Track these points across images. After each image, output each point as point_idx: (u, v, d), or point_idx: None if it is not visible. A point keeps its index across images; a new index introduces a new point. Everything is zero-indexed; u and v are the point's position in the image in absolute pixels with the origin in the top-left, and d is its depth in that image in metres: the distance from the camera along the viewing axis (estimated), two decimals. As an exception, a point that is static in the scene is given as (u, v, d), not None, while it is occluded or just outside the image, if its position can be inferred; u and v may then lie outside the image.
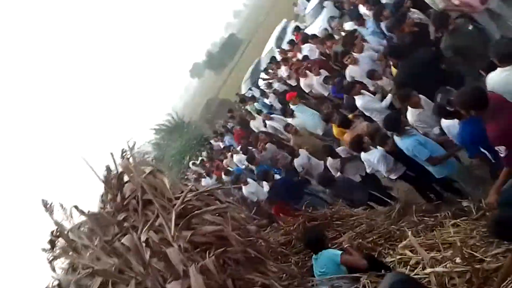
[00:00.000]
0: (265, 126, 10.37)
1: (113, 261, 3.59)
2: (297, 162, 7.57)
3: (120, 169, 4.08)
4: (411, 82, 5.42)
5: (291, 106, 8.88)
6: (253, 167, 8.96)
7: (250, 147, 9.69)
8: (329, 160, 6.73)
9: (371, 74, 6.96)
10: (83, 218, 4.22)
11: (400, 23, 6.21)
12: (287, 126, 8.45)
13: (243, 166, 9.94)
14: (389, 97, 6.50)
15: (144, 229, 3.44)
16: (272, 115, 10.42)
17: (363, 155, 5.75)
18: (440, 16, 5.05)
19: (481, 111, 3.43)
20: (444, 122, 4.50)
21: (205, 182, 11.92)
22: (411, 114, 5.14)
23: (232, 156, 11.29)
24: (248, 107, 14.61)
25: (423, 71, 5.31)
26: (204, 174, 13.02)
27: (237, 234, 3.80)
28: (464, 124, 3.85)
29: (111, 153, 4.10)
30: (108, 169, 4.23)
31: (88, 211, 4.20)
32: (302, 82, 9.48)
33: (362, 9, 8.49)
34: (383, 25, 7.35)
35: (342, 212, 5.58)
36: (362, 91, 6.84)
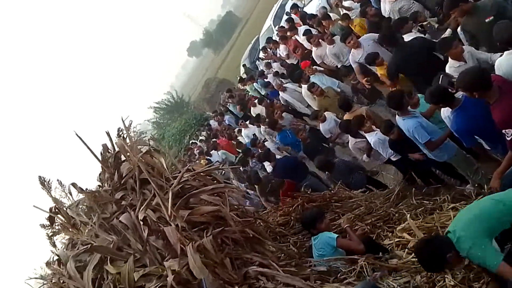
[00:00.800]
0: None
1: (112, 238, 3.60)
2: (323, 127, 7.03)
3: (117, 148, 4.03)
4: (405, 68, 5.41)
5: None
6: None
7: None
8: (352, 140, 6.29)
9: (372, 59, 6.33)
10: (81, 196, 4.22)
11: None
12: (311, 87, 7.62)
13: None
14: None
15: (142, 208, 3.42)
16: (285, 85, 9.80)
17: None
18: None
19: (485, 92, 3.37)
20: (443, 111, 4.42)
21: (214, 157, 11.70)
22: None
23: (240, 131, 11.13)
24: (247, 87, 14.48)
25: (418, 58, 5.24)
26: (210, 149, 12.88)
27: (235, 214, 3.79)
28: (458, 111, 3.78)
29: (107, 132, 4.04)
30: (105, 147, 4.18)
31: (86, 189, 4.18)
32: (314, 52, 8.98)
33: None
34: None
35: (341, 194, 5.57)
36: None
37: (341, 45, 7.72)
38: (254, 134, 9.72)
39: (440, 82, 4.03)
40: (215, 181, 4.16)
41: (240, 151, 10.07)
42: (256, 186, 7.46)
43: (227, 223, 3.47)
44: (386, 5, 6.82)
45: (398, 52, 5.63)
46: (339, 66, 8.21)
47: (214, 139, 13.81)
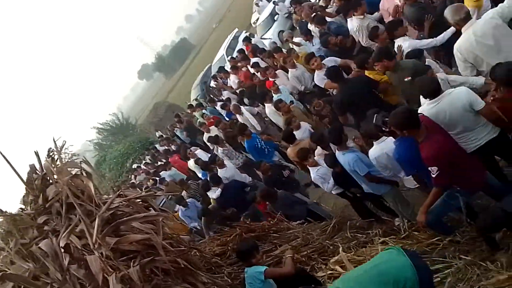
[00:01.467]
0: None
1: (28, 266, 3.31)
2: (297, 135, 6.81)
3: (44, 170, 3.78)
4: (348, 104, 5.65)
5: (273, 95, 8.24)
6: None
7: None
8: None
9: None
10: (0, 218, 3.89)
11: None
12: (279, 102, 7.53)
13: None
14: None
15: (64, 234, 3.19)
16: (243, 108, 9.83)
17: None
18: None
19: (414, 131, 3.59)
20: (372, 152, 4.67)
21: (165, 174, 11.52)
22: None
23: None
24: (196, 114, 14.43)
25: (360, 95, 5.49)
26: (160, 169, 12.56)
27: (168, 243, 3.66)
28: (400, 141, 3.94)
29: (36, 152, 3.78)
30: (32, 168, 3.91)
31: (6, 211, 3.86)
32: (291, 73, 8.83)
33: (311, 26, 8.70)
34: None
35: (280, 225, 5.58)
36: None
37: (303, 69, 8.01)
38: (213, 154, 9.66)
39: (374, 121, 4.23)
40: (150, 208, 4.02)
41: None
42: (202, 218, 7.36)
43: (158, 252, 3.33)
44: (353, 22, 7.00)
45: (342, 88, 5.88)
46: (301, 89, 8.33)
47: (163, 160, 13.56)
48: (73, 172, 3.75)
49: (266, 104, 8.55)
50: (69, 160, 3.86)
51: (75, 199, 3.34)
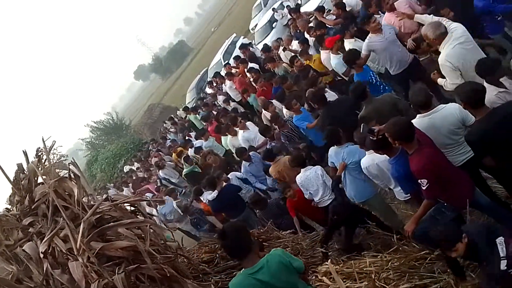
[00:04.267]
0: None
1: (12, 269, 3.25)
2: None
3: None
4: (333, 124, 5.59)
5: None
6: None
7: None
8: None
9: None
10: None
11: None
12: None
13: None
14: None
15: (47, 238, 3.13)
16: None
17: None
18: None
19: (407, 143, 3.61)
20: (364, 161, 4.68)
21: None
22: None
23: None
24: (190, 117, 14.42)
25: (344, 115, 5.56)
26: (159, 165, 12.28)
27: (155, 249, 3.60)
28: (396, 159, 3.95)
29: (24, 151, 3.72)
30: (20, 168, 3.84)
31: (-9, 212, 3.79)
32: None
33: (307, 34, 8.74)
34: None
35: (270, 234, 5.54)
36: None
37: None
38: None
39: (361, 130, 4.25)
40: (138, 213, 3.97)
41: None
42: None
43: (145, 259, 3.27)
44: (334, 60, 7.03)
45: (326, 111, 5.92)
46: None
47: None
48: (61, 174, 3.69)
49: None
50: (58, 161, 3.79)
51: (61, 201, 3.28)
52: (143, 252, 3.17)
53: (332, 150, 5.28)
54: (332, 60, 6.97)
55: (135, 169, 15.78)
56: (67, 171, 3.69)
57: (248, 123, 8.57)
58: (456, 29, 4.37)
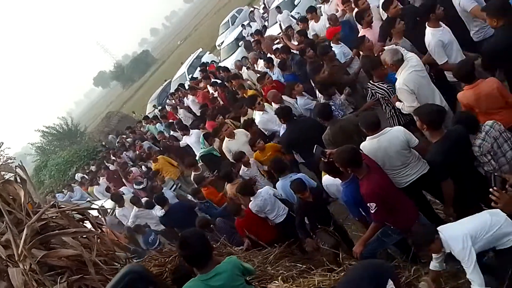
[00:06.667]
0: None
1: None
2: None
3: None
4: (297, 142, 5.76)
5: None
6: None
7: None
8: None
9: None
10: None
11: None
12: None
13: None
14: None
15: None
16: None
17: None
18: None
19: (356, 169, 3.78)
20: (325, 179, 4.80)
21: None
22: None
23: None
24: (150, 127, 14.24)
25: (308, 134, 5.60)
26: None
27: (102, 260, 3.48)
28: (347, 184, 4.10)
29: (-32, 151, 3.52)
30: (-39, 168, 3.62)
31: None
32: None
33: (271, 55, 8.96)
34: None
35: (222, 249, 5.50)
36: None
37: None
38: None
39: (314, 151, 4.38)
40: (86, 222, 3.83)
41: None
42: None
43: (89, 270, 3.15)
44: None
45: (290, 127, 5.95)
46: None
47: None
48: (6, 177, 3.51)
49: None
50: (4, 163, 3.61)
51: (4, 205, 3.11)
52: (88, 262, 3.06)
53: (279, 183, 5.38)
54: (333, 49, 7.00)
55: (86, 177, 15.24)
56: (14, 174, 3.51)
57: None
58: (412, 58, 4.64)
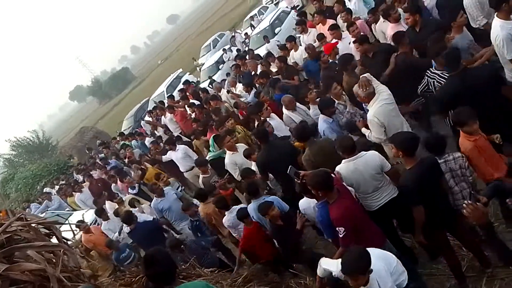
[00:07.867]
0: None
1: None
2: None
3: None
4: (272, 165, 5.73)
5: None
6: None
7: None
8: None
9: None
10: None
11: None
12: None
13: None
14: None
15: None
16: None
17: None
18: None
19: (327, 193, 3.85)
20: (302, 203, 4.87)
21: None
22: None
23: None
24: (126, 142, 14.04)
25: (284, 157, 5.56)
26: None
27: (66, 277, 3.39)
28: (322, 205, 4.10)
29: None
30: None
31: None
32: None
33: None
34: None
35: (191, 271, 5.43)
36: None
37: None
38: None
39: (288, 172, 4.47)
40: (53, 236, 3.74)
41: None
42: None
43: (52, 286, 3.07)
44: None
45: (266, 149, 5.88)
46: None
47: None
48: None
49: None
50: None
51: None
52: (51, 278, 2.98)
53: (250, 205, 5.39)
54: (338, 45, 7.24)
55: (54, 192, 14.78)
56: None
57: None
58: (383, 92, 4.83)
